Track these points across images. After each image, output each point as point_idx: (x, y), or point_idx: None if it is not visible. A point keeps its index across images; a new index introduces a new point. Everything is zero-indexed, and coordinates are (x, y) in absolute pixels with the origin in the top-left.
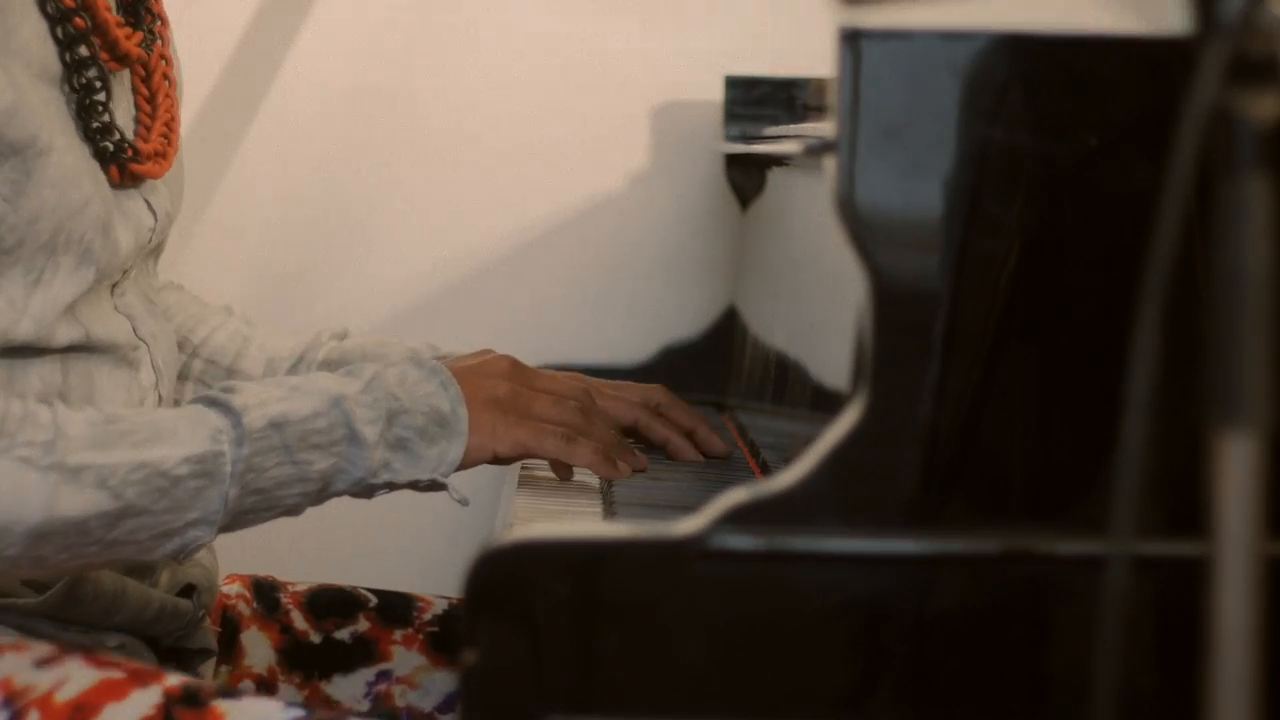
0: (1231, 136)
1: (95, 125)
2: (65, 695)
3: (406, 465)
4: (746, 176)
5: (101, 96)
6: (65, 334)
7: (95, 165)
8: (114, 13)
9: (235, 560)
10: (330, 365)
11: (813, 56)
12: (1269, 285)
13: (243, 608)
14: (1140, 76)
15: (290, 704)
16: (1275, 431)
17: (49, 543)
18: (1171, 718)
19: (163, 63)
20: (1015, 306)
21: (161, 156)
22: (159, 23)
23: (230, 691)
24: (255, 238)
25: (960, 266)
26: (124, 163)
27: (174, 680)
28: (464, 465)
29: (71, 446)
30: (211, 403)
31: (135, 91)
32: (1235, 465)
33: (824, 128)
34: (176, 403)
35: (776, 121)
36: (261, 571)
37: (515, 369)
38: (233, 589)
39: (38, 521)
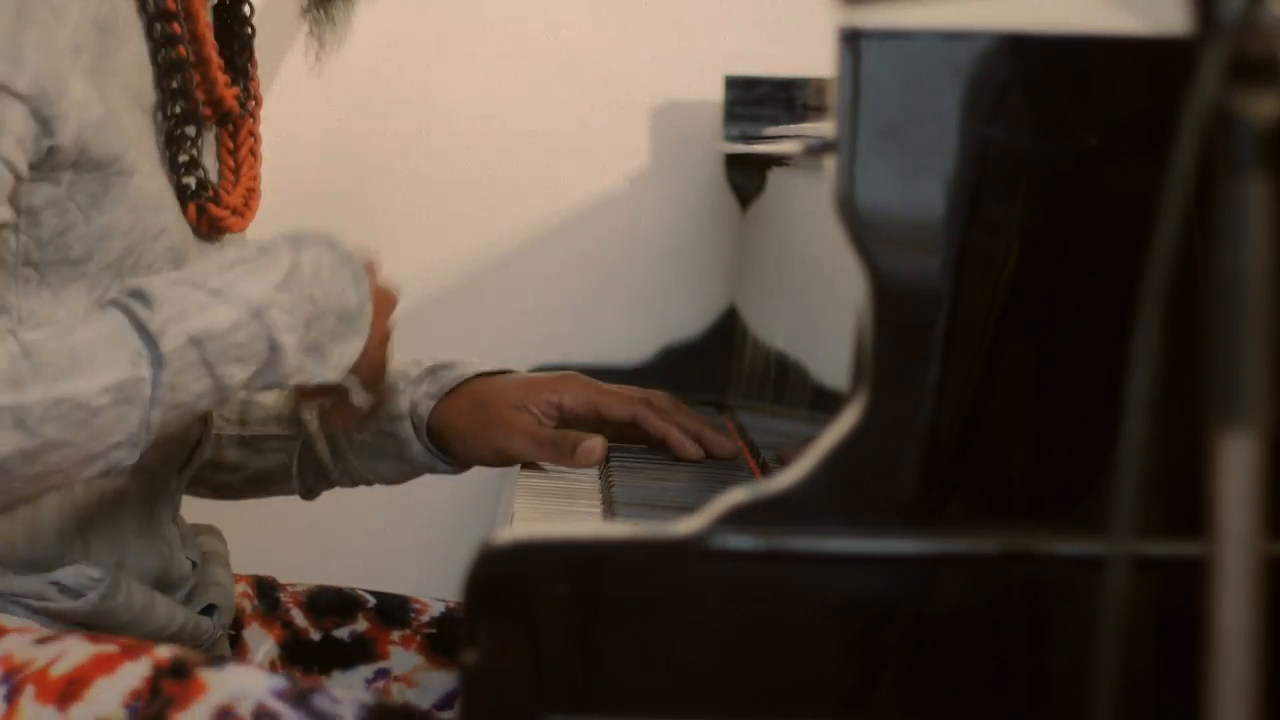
0: (1231, 136)
1: (182, 159)
2: (60, 670)
3: (316, 367)
4: (746, 176)
5: (191, 131)
6: None
7: (175, 201)
8: (220, 58)
9: (235, 560)
10: None
11: (813, 56)
12: (1269, 285)
13: (245, 604)
14: (1140, 76)
15: (272, 673)
16: (1275, 431)
17: None
18: (1171, 718)
19: (250, 135)
20: (1015, 306)
21: (240, 214)
22: (254, 100)
23: (214, 662)
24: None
25: (960, 266)
26: (204, 203)
27: (164, 652)
28: (357, 368)
29: None
30: (130, 316)
31: (221, 145)
32: (1235, 465)
33: (824, 128)
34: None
35: (776, 121)
36: (262, 572)
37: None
38: (236, 587)
39: None
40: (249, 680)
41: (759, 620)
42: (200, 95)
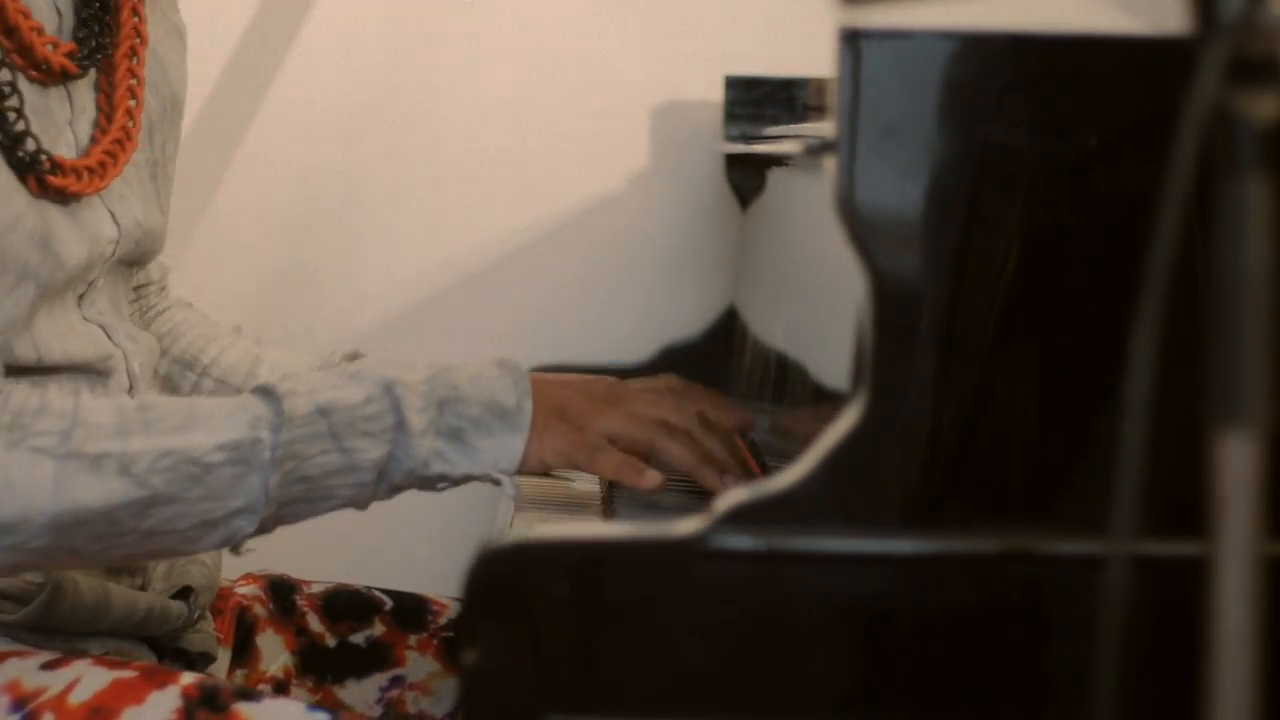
0: (1231, 136)
1: (11, 133)
2: (79, 697)
3: (460, 456)
4: (746, 176)
5: (13, 103)
6: (24, 352)
7: (17, 181)
8: (35, 20)
9: (252, 559)
10: None
11: (813, 56)
12: (1269, 285)
13: (259, 609)
14: (1140, 76)
15: (311, 707)
16: (1275, 431)
17: (77, 533)
18: (1171, 718)
19: (130, 79)
20: (1015, 306)
21: (98, 174)
22: (136, 40)
23: (249, 694)
24: (255, 239)
25: (960, 266)
26: (41, 174)
27: (189, 679)
28: (525, 468)
29: (91, 435)
30: (262, 392)
31: (99, 90)
32: (1235, 465)
33: (824, 128)
34: None
35: (776, 121)
36: (277, 570)
37: (612, 386)
38: (248, 590)
39: (57, 511)
40: (290, 713)
41: (759, 620)
42: (19, 62)
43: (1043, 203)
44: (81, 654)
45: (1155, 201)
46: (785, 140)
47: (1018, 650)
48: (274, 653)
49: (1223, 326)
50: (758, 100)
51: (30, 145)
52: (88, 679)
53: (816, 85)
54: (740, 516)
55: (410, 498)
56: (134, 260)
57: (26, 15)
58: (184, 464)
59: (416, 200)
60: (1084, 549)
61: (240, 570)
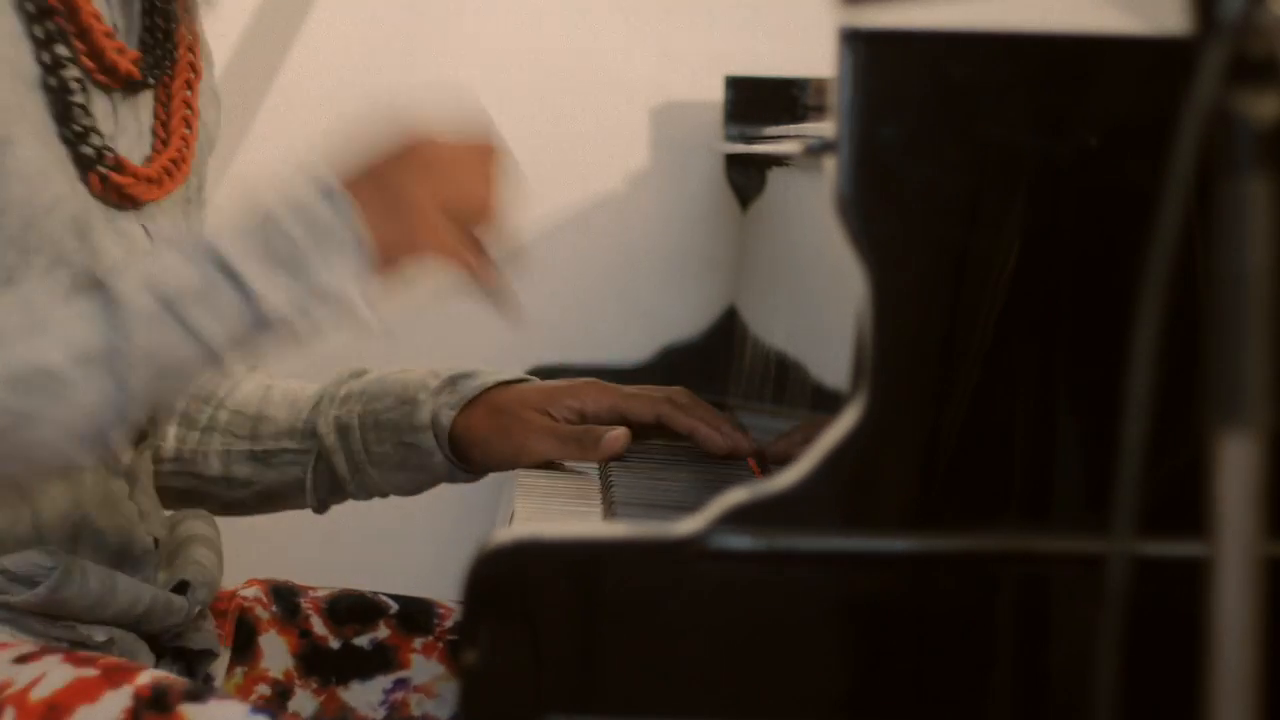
0: (1231, 136)
1: (75, 129)
2: (40, 694)
3: (304, 292)
4: (746, 176)
5: (80, 99)
6: None
7: (73, 171)
8: (107, 24)
9: (254, 564)
10: (350, 401)
11: (813, 56)
12: (1269, 285)
13: (260, 611)
14: (1140, 76)
15: (255, 709)
16: (1275, 431)
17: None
18: (1171, 718)
19: (185, 108)
20: (1015, 307)
21: (158, 183)
22: (191, 74)
23: (197, 694)
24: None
25: (960, 266)
26: (105, 171)
27: (145, 679)
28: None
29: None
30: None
31: (155, 118)
32: (1235, 465)
33: (824, 128)
34: (195, 450)
35: (776, 121)
36: (281, 576)
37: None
38: (251, 592)
39: None
40: (232, 715)
41: (759, 620)
42: (89, 64)
43: (1043, 203)
44: (56, 649)
45: (1155, 201)
46: (785, 140)
47: (1017, 650)
48: (276, 654)
49: (1223, 326)
50: (758, 100)
51: (96, 141)
52: (52, 675)
53: (816, 85)
54: (740, 516)
55: (413, 503)
56: None
57: (98, 18)
58: (37, 375)
59: None
60: (1084, 549)
61: (243, 575)
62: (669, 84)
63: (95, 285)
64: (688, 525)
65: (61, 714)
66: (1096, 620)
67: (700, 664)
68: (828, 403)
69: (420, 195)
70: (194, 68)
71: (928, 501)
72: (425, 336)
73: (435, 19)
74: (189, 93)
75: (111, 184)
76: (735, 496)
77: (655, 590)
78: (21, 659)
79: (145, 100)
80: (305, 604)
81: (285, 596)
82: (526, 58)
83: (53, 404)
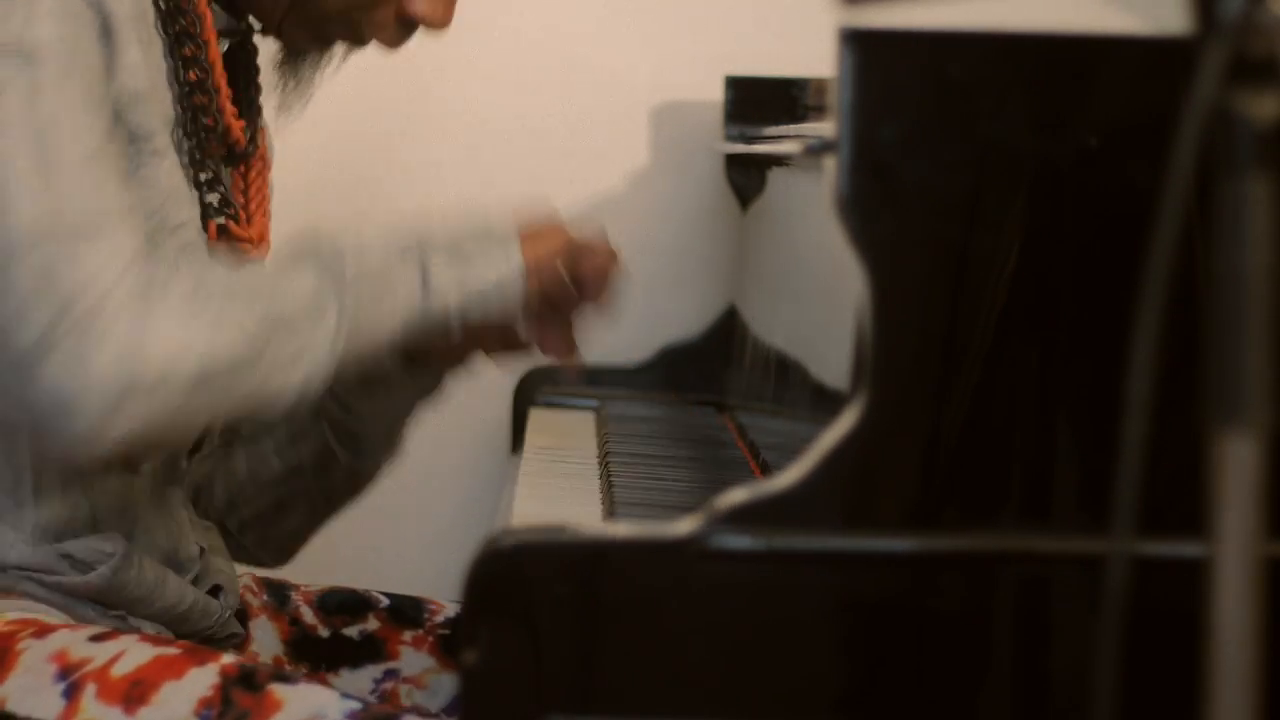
0: (1231, 136)
1: (204, 176)
2: (122, 670)
3: (465, 268)
4: (746, 176)
5: (211, 151)
6: None
7: (199, 210)
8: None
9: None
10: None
11: (813, 56)
12: (1269, 285)
13: (251, 599)
14: (1140, 76)
15: (346, 695)
16: (1275, 431)
17: (206, 389)
18: (1171, 718)
19: (260, 177)
20: (1015, 306)
21: (258, 246)
22: (262, 164)
23: (285, 676)
24: None
25: (960, 266)
26: (225, 222)
27: (229, 659)
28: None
29: (214, 296)
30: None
31: (234, 184)
32: (1235, 465)
33: (824, 128)
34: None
35: (776, 121)
36: (276, 577)
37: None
38: (242, 580)
39: (198, 369)
40: (324, 700)
41: (758, 620)
42: (210, 123)
43: (1043, 203)
44: (132, 630)
45: (1155, 201)
46: (785, 140)
47: (1017, 650)
48: (266, 639)
49: (1223, 326)
50: (758, 100)
51: (222, 190)
52: (132, 653)
53: (816, 85)
54: (740, 516)
55: (408, 502)
56: None
57: (225, 81)
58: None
59: (416, 201)
60: (1084, 549)
61: (237, 570)
62: (669, 84)
63: (318, 254)
64: (688, 525)
65: (147, 690)
66: (1096, 620)
67: (700, 664)
68: (828, 403)
69: (565, 300)
70: (264, 157)
71: (927, 501)
72: None
73: None
74: (263, 163)
75: (229, 234)
76: (735, 496)
77: (655, 590)
78: (98, 638)
79: (227, 171)
80: (296, 596)
81: (276, 589)
82: (527, 57)
83: (289, 344)
